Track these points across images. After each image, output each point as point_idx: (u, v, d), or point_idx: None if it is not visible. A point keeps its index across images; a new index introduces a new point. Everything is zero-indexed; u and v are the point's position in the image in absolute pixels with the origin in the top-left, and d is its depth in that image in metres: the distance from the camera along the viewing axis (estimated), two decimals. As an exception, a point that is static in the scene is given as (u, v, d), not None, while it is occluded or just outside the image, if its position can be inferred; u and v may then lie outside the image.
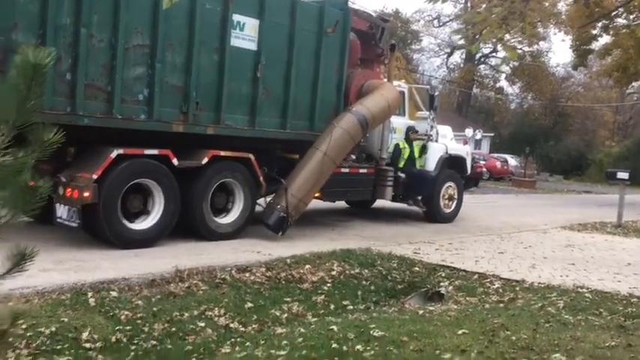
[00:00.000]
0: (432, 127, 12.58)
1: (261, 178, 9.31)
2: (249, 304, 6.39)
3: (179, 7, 7.64)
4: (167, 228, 8.27)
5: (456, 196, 12.89)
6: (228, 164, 8.92)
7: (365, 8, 11.78)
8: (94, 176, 7.45)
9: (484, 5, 41.35)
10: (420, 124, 12.62)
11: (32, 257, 2.08)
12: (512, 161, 34.16)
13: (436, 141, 12.64)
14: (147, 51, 7.91)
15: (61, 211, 7.67)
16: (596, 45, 21.06)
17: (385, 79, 11.75)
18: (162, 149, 8.13)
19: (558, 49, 56.39)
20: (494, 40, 41.27)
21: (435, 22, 43.25)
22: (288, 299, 6.74)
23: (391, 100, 10.63)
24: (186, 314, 5.82)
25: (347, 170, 10.89)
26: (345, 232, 10.70)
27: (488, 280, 7.70)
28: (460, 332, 5.05)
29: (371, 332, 5.00)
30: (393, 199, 11.98)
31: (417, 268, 8.27)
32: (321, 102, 10.07)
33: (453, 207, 12.90)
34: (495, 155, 33.97)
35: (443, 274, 8.00)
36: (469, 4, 42.15)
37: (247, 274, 7.19)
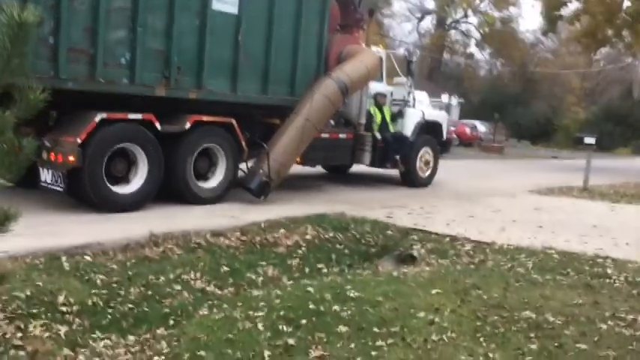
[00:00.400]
0: (409, 92, 12.72)
1: (243, 143, 9.38)
2: (225, 268, 6.44)
3: None
4: (151, 192, 8.36)
5: (431, 161, 13.18)
6: (210, 129, 9.00)
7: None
8: (78, 140, 7.46)
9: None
10: (397, 90, 12.72)
11: (16, 218, 2.07)
12: (481, 127, 34.51)
13: (413, 106, 12.78)
14: (128, 14, 7.89)
15: (45, 175, 7.80)
16: (565, 11, 21.24)
17: (364, 45, 11.77)
18: (146, 114, 8.13)
19: (528, 15, 56.52)
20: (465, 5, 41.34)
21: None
22: (264, 263, 6.80)
23: (370, 65, 10.76)
24: (162, 278, 5.83)
25: (327, 135, 11.00)
26: (319, 196, 10.77)
27: (459, 242, 7.84)
28: (434, 292, 5.18)
29: (347, 293, 5.10)
30: (371, 164, 12.15)
31: (389, 232, 8.39)
32: (302, 67, 10.14)
33: (429, 172, 13.18)
34: (464, 121, 34.25)
35: (415, 238, 8.12)
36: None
37: (222, 239, 7.20)
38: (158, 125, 8.25)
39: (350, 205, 9.80)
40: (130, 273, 5.75)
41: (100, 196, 7.84)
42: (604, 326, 4.58)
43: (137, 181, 8.22)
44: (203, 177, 9.12)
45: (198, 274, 6.11)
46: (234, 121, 9.21)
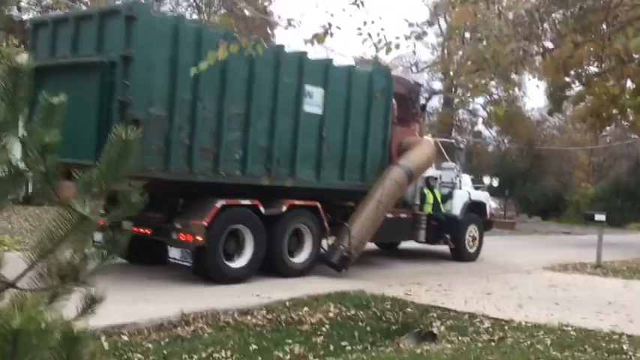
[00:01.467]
0: (456, 175, 14.09)
1: (326, 223, 10.72)
2: (254, 346, 6.68)
3: (266, 81, 9.66)
4: (256, 267, 9.67)
5: (477, 238, 14.31)
6: (301, 211, 10.42)
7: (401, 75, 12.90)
8: (205, 223, 8.85)
9: (460, 52, 42.68)
10: (446, 173, 14.02)
11: (101, 300, 2.41)
12: (492, 203, 34.79)
13: (460, 188, 14.08)
14: (242, 119, 9.49)
15: (174, 252, 9.29)
16: (570, 91, 21.95)
17: (418, 135, 13.35)
18: (253, 200, 9.61)
19: (533, 94, 57.99)
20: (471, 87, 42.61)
21: (414, 68, 44.36)
22: (290, 341, 7.04)
23: (430, 154, 12.50)
24: (195, 356, 6.09)
25: (391, 216, 12.07)
26: (338, 273, 11.04)
27: (478, 319, 8.06)
28: (458, 369, 5.40)
29: (375, 370, 5.32)
30: (425, 241, 13.36)
31: (409, 309, 8.62)
32: (371, 156, 11.64)
33: (475, 247, 14.32)
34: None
35: (434, 315, 8.35)
36: (446, 51, 43.47)
37: (249, 317, 7.49)
38: (262, 209, 9.66)
39: (369, 282, 10.07)
40: (164, 352, 6.02)
41: (219, 271, 9.20)
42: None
43: (245, 257, 9.57)
44: (292, 253, 10.41)
45: (228, 353, 6.36)
46: (318, 205, 10.57)
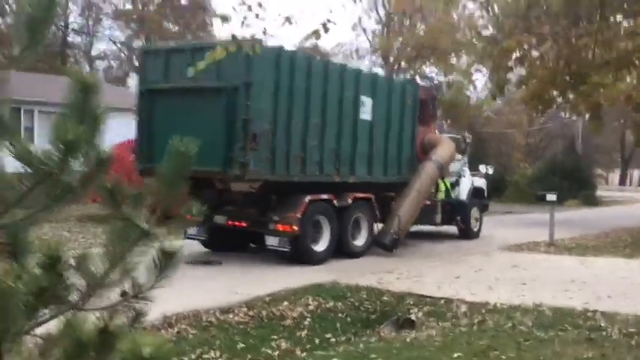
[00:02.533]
0: (463, 166, 15.97)
1: (377, 212, 12.53)
2: (241, 345, 6.61)
3: (334, 95, 11.42)
4: (332, 250, 11.46)
5: (479, 218, 16.37)
6: (360, 203, 12.20)
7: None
8: (299, 215, 10.70)
9: (400, 38, 43.08)
10: (453, 165, 15.28)
11: (147, 314, 2.31)
12: (436, 186, 35.45)
13: (464, 177, 16.01)
14: (319, 129, 11.19)
15: (272, 240, 10.83)
16: (511, 75, 22.51)
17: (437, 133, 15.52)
18: (329, 194, 11.43)
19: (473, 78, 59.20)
20: (412, 72, 43.27)
21: (354, 55, 44.60)
22: (275, 337, 7.00)
23: (453, 149, 14.46)
24: (185, 358, 5.97)
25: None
26: (308, 265, 11.02)
27: (454, 304, 8.22)
28: (455, 356, 5.50)
29: (375, 362, 5.36)
30: (441, 223, 15.17)
31: (385, 298, 8.71)
32: (404, 154, 13.42)
33: (477, 226, 16.31)
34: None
35: (411, 302, 8.47)
36: (385, 38, 43.88)
37: (231, 315, 7.40)
38: (335, 202, 11.53)
39: (340, 273, 10.10)
40: (153, 356, 5.86)
41: (309, 254, 11.05)
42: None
43: (324, 242, 11.38)
44: (354, 237, 12.13)
45: (217, 353, 6.27)
46: (372, 196, 12.41)
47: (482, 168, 17.77)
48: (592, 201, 34.91)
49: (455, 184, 15.69)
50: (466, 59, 41.02)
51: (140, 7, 46.24)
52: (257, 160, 10.07)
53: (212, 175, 9.95)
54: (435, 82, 42.07)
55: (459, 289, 9.02)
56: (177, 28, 45.57)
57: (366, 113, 12.24)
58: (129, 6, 45.65)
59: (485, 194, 17.26)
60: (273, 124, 10.34)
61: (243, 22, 4.75)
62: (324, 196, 11.33)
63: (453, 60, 40.68)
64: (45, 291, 1.81)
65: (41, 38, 1.91)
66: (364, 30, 42.38)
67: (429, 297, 8.61)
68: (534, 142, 49.51)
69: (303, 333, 7.30)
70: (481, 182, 17.18)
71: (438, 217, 14.83)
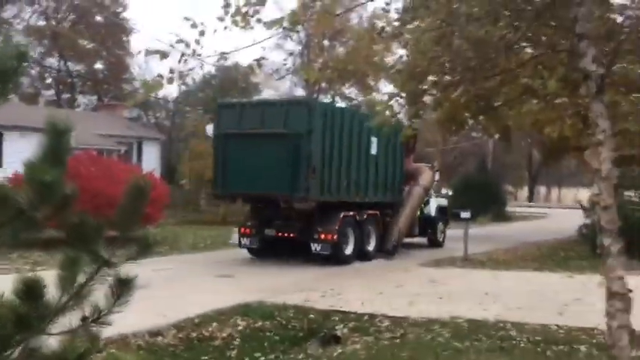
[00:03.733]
0: (432, 188, 19.15)
1: (381, 224, 16.15)
2: (172, 367, 6.69)
3: (357, 137, 15.12)
4: (355, 254, 14.90)
5: (443, 230, 19.98)
6: (371, 217, 15.76)
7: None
8: (337, 227, 14.20)
9: (320, 60, 43.91)
10: None
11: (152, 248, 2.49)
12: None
13: (432, 197, 19.33)
14: (346, 163, 14.82)
15: (316, 247, 14.15)
16: (427, 98, 23.39)
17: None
18: (353, 211, 14.91)
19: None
20: (332, 92, 44.21)
21: (275, 74, 45.07)
22: (205, 357, 7.12)
23: (431, 176, 18.55)
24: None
25: None
26: (230, 285, 11.15)
27: (378, 319, 8.60)
28: (380, 368, 5.83)
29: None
30: (418, 235, 18.62)
31: (312, 315, 8.97)
32: (397, 180, 17.09)
33: (442, 237, 19.85)
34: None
35: (337, 318, 8.78)
36: (306, 59, 44.62)
37: (160, 338, 7.45)
38: (357, 216, 15.06)
39: (262, 292, 10.29)
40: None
41: (343, 257, 14.50)
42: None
43: (350, 247, 14.86)
44: (367, 244, 15.58)
45: (148, 376, 6.33)
46: (378, 213, 15.97)
47: (443, 190, 21.72)
48: (503, 216, 36.54)
49: (426, 203, 18.85)
50: (385, 87, 42.46)
51: (54, 23, 45.00)
52: (314, 186, 13.76)
53: (280, 196, 14.02)
54: (355, 102, 43.16)
55: (381, 305, 9.42)
56: (92, 45, 44.58)
57: (374, 149, 15.79)
58: (42, 22, 44.37)
59: (447, 212, 20.52)
60: (322, 159, 14.01)
61: (180, 60, 4.95)
62: (351, 213, 14.83)
63: (372, 82, 41.97)
64: (22, 319, 1.98)
65: (13, 88, 2.09)
66: (286, 51, 42.67)
67: (354, 313, 8.96)
68: (449, 160, 51.45)
69: (233, 353, 7.44)
70: (444, 202, 20.68)
71: (417, 230, 18.27)
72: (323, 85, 44.11)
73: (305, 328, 8.62)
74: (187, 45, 4.94)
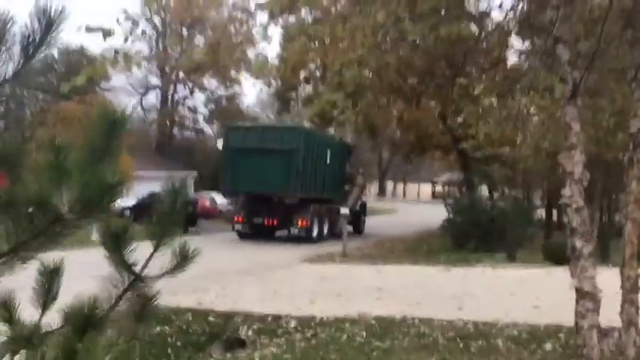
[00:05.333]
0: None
1: (332, 214, 21.05)
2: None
3: (323, 151, 21.75)
4: (320, 236, 20.68)
5: (364, 221, 25.50)
6: (328, 208, 21.31)
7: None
8: (309, 216, 20.38)
9: (178, 48, 42.36)
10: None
11: (193, 258, 2.08)
12: (220, 199, 35.36)
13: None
14: (318, 168, 21.01)
15: (294, 230, 20.31)
16: (296, 93, 23.61)
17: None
18: (318, 204, 20.95)
19: (250, 92, 60.33)
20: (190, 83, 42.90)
21: (131, 62, 42.66)
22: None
23: (362, 179, 24.38)
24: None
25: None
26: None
27: (283, 320, 8.30)
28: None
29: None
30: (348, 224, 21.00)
31: (211, 318, 8.48)
32: (341, 181, 23.13)
33: (363, 226, 25.16)
34: (203, 194, 34.81)
35: (239, 320, 8.36)
36: (160, 48, 42.93)
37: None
38: (320, 208, 20.99)
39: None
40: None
41: (312, 238, 20.04)
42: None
43: (316, 231, 20.67)
44: (326, 228, 21.50)
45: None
46: (330, 205, 21.38)
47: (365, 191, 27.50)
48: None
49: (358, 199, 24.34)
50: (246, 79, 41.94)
51: None
52: (299, 186, 19.58)
53: (275, 193, 19.86)
54: (215, 95, 42.28)
55: (282, 305, 9.13)
56: None
57: (328, 158, 21.60)
58: None
59: (366, 208, 26.63)
60: (304, 167, 19.88)
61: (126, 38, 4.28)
62: (317, 205, 20.63)
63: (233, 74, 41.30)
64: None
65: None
66: (144, 34, 40.52)
67: (256, 314, 8.59)
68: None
69: (136, 363, 6.79)
70: (365, 199, 26.82)
71: (350, 219, 21.35)
72: (180, 75, 42.67)
73: (206, 331, 8.12)
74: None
